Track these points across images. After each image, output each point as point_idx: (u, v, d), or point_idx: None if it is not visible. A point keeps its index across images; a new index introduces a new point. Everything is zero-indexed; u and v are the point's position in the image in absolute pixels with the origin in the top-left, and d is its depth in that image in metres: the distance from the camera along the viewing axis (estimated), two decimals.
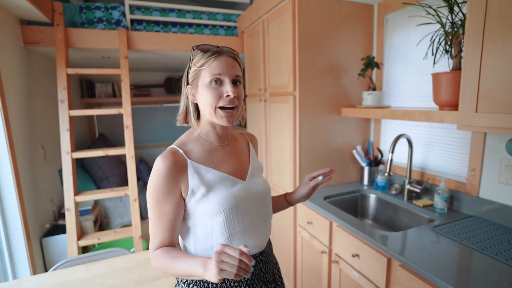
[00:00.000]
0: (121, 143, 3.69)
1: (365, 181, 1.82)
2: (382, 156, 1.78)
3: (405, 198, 1.53)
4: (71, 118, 1.88)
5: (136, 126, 3.76)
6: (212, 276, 0.58)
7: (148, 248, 2.18)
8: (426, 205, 1.42)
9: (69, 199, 1.79)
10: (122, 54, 2.00)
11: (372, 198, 1.71)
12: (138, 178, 3.06)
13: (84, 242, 1.80)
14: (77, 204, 1.83)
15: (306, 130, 1.71)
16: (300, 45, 1.61)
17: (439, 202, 1.35)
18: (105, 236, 1.85)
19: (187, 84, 0.78)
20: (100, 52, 2.25)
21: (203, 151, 0.78)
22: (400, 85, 1.67)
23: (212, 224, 0.74)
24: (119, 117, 3.65)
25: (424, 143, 1.56)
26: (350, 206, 1.73)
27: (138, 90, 3.65)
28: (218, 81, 0.73)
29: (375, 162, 1.81)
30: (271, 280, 0.85)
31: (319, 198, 1.63)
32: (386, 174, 1.41)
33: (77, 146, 2.95)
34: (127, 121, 1.97)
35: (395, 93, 1.71)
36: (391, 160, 1.40)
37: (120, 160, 2.90)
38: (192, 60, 0.76)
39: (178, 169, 0.72)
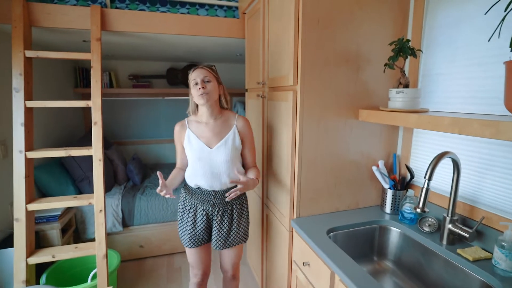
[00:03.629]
0: (118, 137, 3.44)
1: (387, 208, 1.37)
2: (412, 177, 1.32)
3: (445, 241, 1.08)
4: (29, 111, 1.57)
5: (134, 119, 3.48)
6: None
7: (116, 268, 1.82)
8: (478, 259, 0.96)
9: (19, 208, 1.49)
10: (93, 36, 1.66)
11: (396, 233, 1.27)
12: (128, 179, 2.77)
13: (35, 260, 1.50)
14: (30, 213, 1.53)
15: (310, 137, 1.29)
16: (304, 24, 1.19)
17: (502, 259, 0.90)
18: (62, 253, 1.54)
19: (190, 91, 1.33)
20: (80, 35, 1.94)
21: (197, 125, 1.36)
22: (444, 80, 1.20)
23: (189, 164, 1.38)
24: (117, 107, 3.39)
25: (477, 166, 1.09)
26: (365, 240, 1.30)
27: (138, 80, 3.35)
28: (196, 83, 1.27)
29: (402, 184, 1.35)
30: (220, 209, 1.37)
31: (320, 230, 1.21)
32: (418, 210, 0.96)
33: (65, 139, 2.71)
34: (96, 116, 1.64)
35: (435, 92, 1.24)
36: (427, 190, 0.95)
37: (106, 157, 2.61)
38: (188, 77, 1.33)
39: (181, 130, 1.36)
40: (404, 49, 1.10)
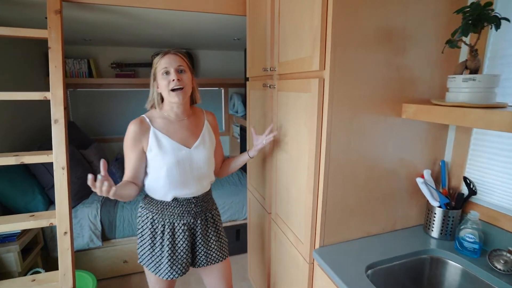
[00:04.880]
0: (100, 133, 3.06)
1: (435, 232, 1.06)
2: (472, 192, 1.01)
3: None
4: None
5: (118, 113, 3.10)
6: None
7: None
8: None
9: None
10: (51, 7, 1.29)
11: (454, 269, 0.96)
12: None
13: None
14: None
15: (340, 139, 0.96)
16: None
17: None
18: None
19: (154, 80, 1.10)
20: (40, 8, 1.55)
21: (164, 123, 1.10)
22: None
23: (159, 173, 1.08)
24: (97, 99, 3.00)
25: None
26: (411, 276, 0.99)
27: (121, 69, 2.95)
28: (167, 73, 1.05)
29: (458, 202, 1.04)
30: (202, 218, 1.18)
31: (355, 266, 0.90)
32: None
33: (37, 136, 2.32)
34: (57, 112, 1.28)
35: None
36: None
37: (83, 158, 2.24)
38: (153, 63, 1.08)
39: (142, 131, 1.06)
40: (485, 17, 0.77)
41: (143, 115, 1.11)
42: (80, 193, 2.02)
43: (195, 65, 3.14)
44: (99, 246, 1.97)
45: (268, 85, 1.33)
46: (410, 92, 1.03)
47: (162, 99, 1.12)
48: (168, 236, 1.11)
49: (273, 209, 1.40)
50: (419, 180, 1.06)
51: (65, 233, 1.26)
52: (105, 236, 2.01)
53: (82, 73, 2.81)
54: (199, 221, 1.17)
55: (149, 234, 1.12)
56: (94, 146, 2.50)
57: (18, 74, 2.16)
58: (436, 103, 0.93)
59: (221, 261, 1.23)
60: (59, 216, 1.26)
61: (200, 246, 1.18)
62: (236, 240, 2.36)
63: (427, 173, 1.08)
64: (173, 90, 1.03)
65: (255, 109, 1.58)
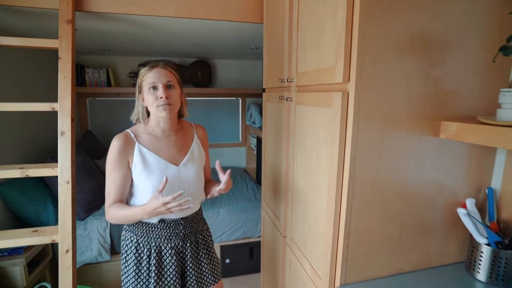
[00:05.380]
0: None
1: (481, 274, 0.89)
2: None
3: None
4: None
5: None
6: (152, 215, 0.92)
7: None
8: None
9: None
10: (62, 17, 1.26)
11: None
12: None
13: None
14: None
15: (367, 161, 0.83)
16: None
17: None
18: None
19: (139, 92, 1.03)
20: (56, 18, 1.55)
21: (149, 139, 1.04)
22: None
23: (143, 194, 1.00)
24: (115, 108, 3.01)
25: None
26: None
27: None
28: (154, 88, 0.98)
29: (511, 240, 0.87)
30: (192, 240, 1.11)
31: None
32: None
33: (53, 146, 2.33)
34: (64, 124, 1.23)
35: None
36: None
37: (97, 168, 2.22)
38: (139, 74, 1.02)
39: (127, 147, 0.99)
40: None
41: (127, 130, 1.05)
42: (92, 204, 1.99)
43: (212, 74, 3.10)
44: (107, 260, 1.92)
45: (284, 97, 1.22)
46: (451, 108, 0.88)
47: (148, 113, 1.07)
48: (154, 261, 1.03)
49: (288, 233, 1.27)
50: (460, 211, 0.89)
51: (67, 251, 1.20)
52: (114, 249, 1.95)
53: (101, 82, 2.83)
54: (188, 244, 1.10)
55: (134, 260, 1.04)
56: None
57: (34, 84, 2.19)
58: (485, 121, 0.77)
59: (213, 284, 1.16)
60: (61, 233, 1.20)
61: (190, 271, 1.10)
62: (249, 258, 2.23)
63: (470, 202, 0.92)
64: (160, 105, 0.98)
65: (271, 122, 1.47)
